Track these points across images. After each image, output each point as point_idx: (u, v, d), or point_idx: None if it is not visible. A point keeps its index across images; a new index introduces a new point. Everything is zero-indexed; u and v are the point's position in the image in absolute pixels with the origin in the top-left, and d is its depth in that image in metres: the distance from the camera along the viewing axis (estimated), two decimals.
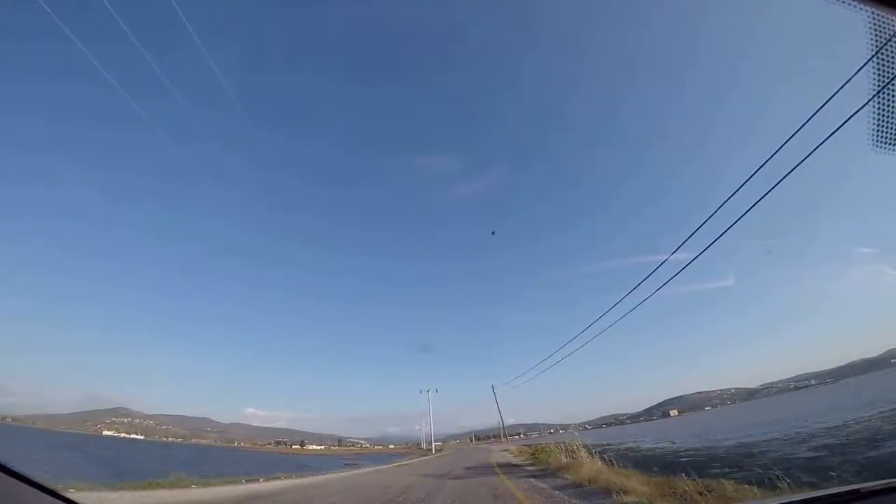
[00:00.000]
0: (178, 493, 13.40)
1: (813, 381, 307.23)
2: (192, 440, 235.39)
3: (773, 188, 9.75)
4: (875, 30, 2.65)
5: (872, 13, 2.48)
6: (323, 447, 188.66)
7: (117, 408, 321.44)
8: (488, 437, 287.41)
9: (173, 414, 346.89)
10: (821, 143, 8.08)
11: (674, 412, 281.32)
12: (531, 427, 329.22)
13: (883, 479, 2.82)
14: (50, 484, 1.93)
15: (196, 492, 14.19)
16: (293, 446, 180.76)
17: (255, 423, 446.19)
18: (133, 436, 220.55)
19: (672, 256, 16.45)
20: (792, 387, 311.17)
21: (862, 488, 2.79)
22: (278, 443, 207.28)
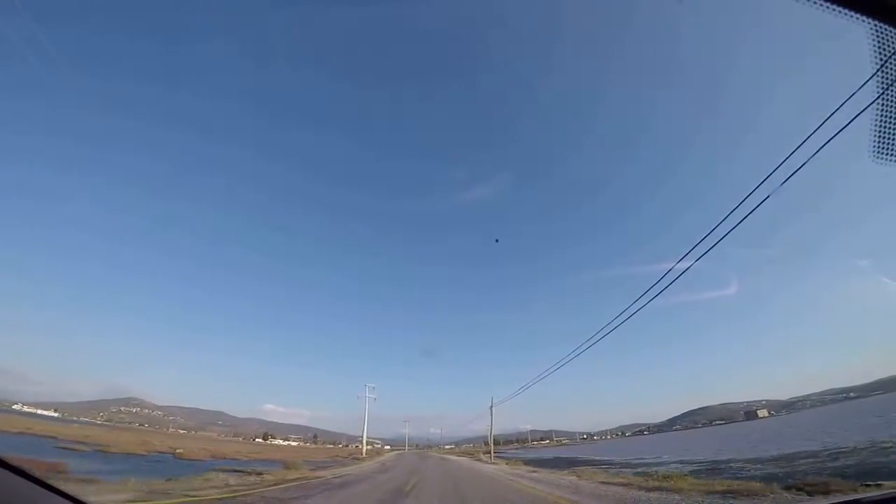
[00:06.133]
0: None
1: (852, 395, 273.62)
2: (199, 433, 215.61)
3: (767, 197, 9.01)
4: (877, 41, 2.54)
5: (874, 25, 2.39)
6: (296, 443, 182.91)
7: (129, 398, 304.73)
8: (507, 442, 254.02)
9: (186, 406, 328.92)
10: (818, 150, 7.72)
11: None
12: (547, 434, 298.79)
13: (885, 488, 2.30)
14: (51, 480, 1.85)
15: None
16: (256, 440, 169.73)
17: (273, 419, 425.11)
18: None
19: (679, 265, 13.14)
20: (828, 400, 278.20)
21: (863, 498, 2.61)
22: (265, 436, 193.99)
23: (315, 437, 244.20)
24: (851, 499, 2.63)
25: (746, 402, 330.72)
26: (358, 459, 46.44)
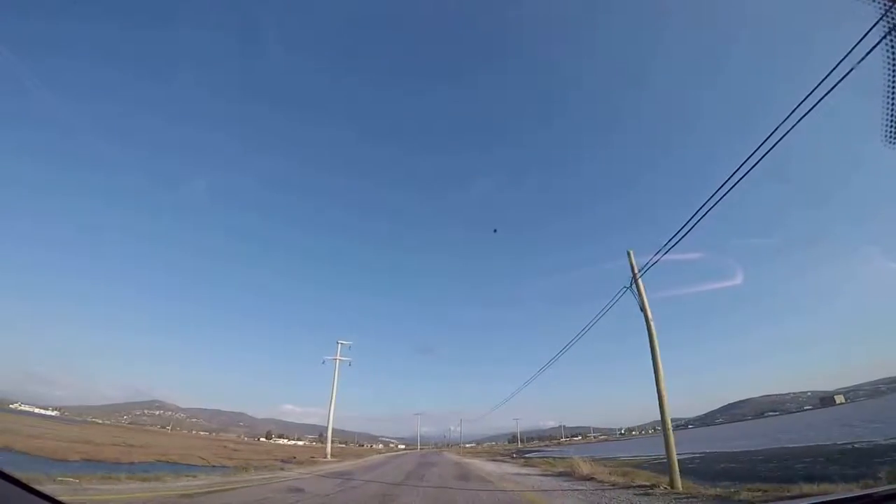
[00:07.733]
0: None
1: None
2: (220, 434, 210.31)
3: (751, 167, 8.63)
4: (886, 23, 2.46)
5: (884, 4, 2.32)
6: (303, 442, 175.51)
7: (152, 401, 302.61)
8: (531, 439, 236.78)
9: (208, 408, 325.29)
10: (797, 122, 7.30)
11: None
12: (578, 430, 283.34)
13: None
14: (37, 485, 1.73)
15: None
16: (260, 439, 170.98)
17: (290, 419, 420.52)
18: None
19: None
20: (884, 389, 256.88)
21: (875, 493, 2.54)
22: (279, 435, 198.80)
23: (320, 435, 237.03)
24: (860, 494, 2.46)
25: (792, 393, 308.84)
26: (315, 463, 32.11)
